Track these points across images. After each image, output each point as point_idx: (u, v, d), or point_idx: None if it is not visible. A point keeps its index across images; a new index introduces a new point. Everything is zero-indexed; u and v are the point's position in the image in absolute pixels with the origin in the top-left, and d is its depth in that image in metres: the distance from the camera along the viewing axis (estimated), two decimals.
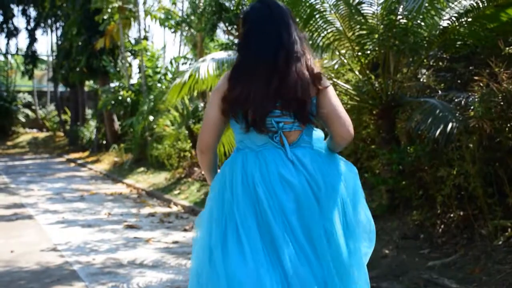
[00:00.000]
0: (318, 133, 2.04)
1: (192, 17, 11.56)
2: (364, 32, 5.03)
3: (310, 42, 5.33)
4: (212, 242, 1.89)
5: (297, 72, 1.88)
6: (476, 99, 3.95)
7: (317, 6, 5.04)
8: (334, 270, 1.88)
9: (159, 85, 13.37)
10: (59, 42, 21.47)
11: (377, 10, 4.89)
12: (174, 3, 14.11)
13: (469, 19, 4.65)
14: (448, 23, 4.75)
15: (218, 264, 1.83)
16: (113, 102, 14.62)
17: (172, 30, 13.90)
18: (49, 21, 23.18)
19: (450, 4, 4.65)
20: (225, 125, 2.01)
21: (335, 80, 5.65)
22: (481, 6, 4.50)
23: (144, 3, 14.78)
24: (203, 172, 2.15)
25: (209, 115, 1.97)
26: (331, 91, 1.97)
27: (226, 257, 1.82)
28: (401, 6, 4.68)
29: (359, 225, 2.07)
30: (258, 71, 1.89)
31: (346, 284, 1.92)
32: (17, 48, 27.06)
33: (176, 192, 9.07)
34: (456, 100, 4.36)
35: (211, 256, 1.87)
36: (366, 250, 2.13)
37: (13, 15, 24.41)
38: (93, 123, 19.25)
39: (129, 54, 16.20)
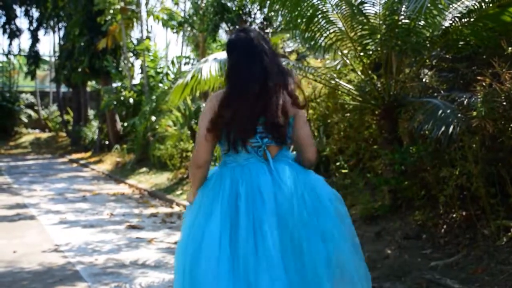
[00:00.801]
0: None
1: (194, 18, 11.57)
2: (366, 32, 5.03)
3: (312, 42, 5.33)
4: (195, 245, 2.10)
5: (278, 101, 2.12)
6: (479, 99, 3.94)
7: (319, 6, 5.04)
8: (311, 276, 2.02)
9: (161, 85, 13.39)
10: (62, 43, 21.51)
11: (379, 10, 4.88)
12: (176, 4, 14.13)
13: (472, 19, 4.64)
14: (450, 23, 4.74)
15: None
16: (115, 102, 14.64)
17: (174, 30, 13.92)
18: (52, 22, 23.21)
19: (453, 4, 4.64)
20: (217, 142, 2.21)
21: (337, 80, 5.65)
22: (483, 6, 4.50)
23: (147, 3, 14.81)
24: (192, 186, 2.28)
25: (203, 132, 2.16)
26: (303, 115, 2.23)
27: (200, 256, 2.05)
28: (404, 6, 4.67)
29: (344, 227, 2.22)
30: (245, 98, 2.12)
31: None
32: (20, 49, 27.15)
33: (178, 192, 9.07)
34: (458, 100, 4.35)
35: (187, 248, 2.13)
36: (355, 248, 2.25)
37: (16, 16, 24.44)
38: (95, 124, 19.28)
39: (131, 54, 16.22)
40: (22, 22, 45.18)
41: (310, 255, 2.04)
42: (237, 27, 10.10)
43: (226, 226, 2.06)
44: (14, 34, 24.59)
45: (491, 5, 4.46)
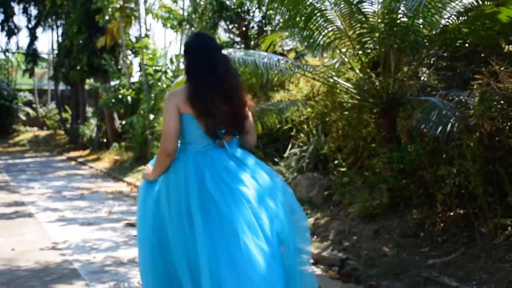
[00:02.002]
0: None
1: (193, 16, 11.56)
2: (365, 30, 5.03)
3: (311, 40, 5.34)
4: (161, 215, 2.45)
5: (240, 95, 2.52)
6: (477, 98, 3.95)
7: (318, 5, 5.04)
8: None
9: (159, 83, 13.37)
10: (60, 41, 21.46)
11: (377, 8, 4.89)
12: (175, 2, 14.11)
13: (470, 18, 4.65)
14: (448, 22, 4.75)
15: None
16: (113, 100, 14.62)
17: (174, 30, 13.90)
18: (50, 20, 23.14)
19: (451, 3, 4.65)
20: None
21: (335, 78, 5.65)
22: (481, 5, 4.50)
23: (145, 1, 14.78)
24: (157, 170, 2.57)
25: (170, 125, 2.47)
26: (250, 110, 2.62)
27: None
28: (402, 5, 4.67)
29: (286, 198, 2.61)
30: (210, 93, 2.46)
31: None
32: (18, 47, 27.06)
33: None
34: (456, 98, 4.36)
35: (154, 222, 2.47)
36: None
37: (14, 14, 24.38)
38: (93, 122, 19.25)
39: (129, 52, 16.19)
40: (20, 19, 44.94)
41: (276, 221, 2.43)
42: (236, 25, 10.11)
43: (197, 205, 2.34)
44: (12, 31, 24.52)
45: (488, 3, 4.46)
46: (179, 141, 2.53)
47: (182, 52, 2.64)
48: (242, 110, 2.53)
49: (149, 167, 2.65)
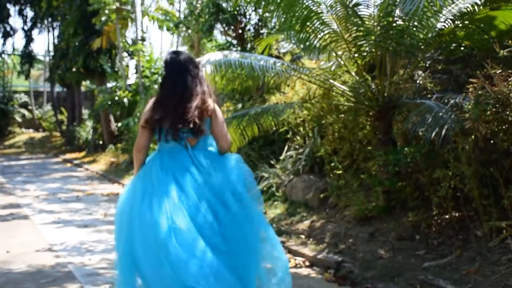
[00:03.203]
0: (211, 140, 3.05)
1: (190, 18, 11.56)
2: (361, 33, 5.04)
3: (307, 43, 5.35)
4: (134, 201, 2.89)
5: (195, 105, 2.92)
6: (472, 101, 3.96)
7: (314, 8, 5.05)
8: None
9: (156, 86, 13.36)
10: (56, 42, 21.43)
11: (373, 11, 4.90)
12: (171, 4, 14.11)
13: (465, 22, 4.67)
14: (444, 25, 4.77)
15: (135, 213, 2.85)
16: (110, 102, 14.59)
17: (171, 32, 13.90)
18: (46, 21, 23.11)
19: (446, 7, 4.67)
20: (152, 135, 3.03)
21: (332, 81, 5.66)
22: (476, 9, 4.52)
23: (142, 4, 14.78)
24: (134, 164, 3.14)
25: (142, 125, 3.00)
26: (219, 114, 3.01)
27: (141, 208, 2.82)
28: (398, 9, 4.69)
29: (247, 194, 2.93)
30: (171, 104, 2.93)
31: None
32: (13, 48, 27.00)
33: None
34: (452, 101, 4.37)
35: (132, 208, 2.88)
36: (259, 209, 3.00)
37: (10, 15, 24.32)
38: (89, 123, 19.21)
39: (126, 54, 16.18)
40: (16, 21, 44.90)
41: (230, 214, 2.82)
42: (232, 27, 10.12)
43: (168, 195, 2.80)
44: (8, 33, 24.47)
45: (483, 8, 4.48)
46: (158, 145, 3.05)
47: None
48: (197, 117, 2.93)
49: None
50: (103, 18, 14.05)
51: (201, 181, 2.86)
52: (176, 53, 3.11)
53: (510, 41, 4.15)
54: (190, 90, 2.97)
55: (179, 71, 3.00)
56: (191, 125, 2.92)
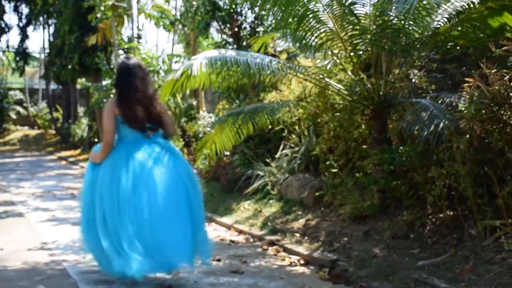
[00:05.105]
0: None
1: (186, 16, 11.53)
2: (357, 32, 5.05)
3: (303, 41, 5.35)
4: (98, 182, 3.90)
5: (156, 106, 3.92)
6: (467, 100, 3.98)
7: (310, 6, 5.05)
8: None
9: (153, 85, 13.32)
10: (51, 39, 21.34)
11: (369, 10, 4.90)
12: (167, 1, 14.07)
13: (461, 21, 4.68)
14: (439, 24, 4.78)
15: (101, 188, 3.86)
16: (105, 99, 14.53)
17: (167, 29, 13.86)
18: (41, 18, 23.03)
19: (442, 6, 4.67)
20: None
21: (327, 80, 5.66)
22: (471, 8, 4.53)
23: (138, 1, 14.72)
24: (102, 155, 3.95)
25: (109, 124, 3.87)
26: (166, 110, 4.08)
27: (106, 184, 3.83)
28: (393, 7, 4.69)
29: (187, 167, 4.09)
30: (133, 103, 3.84)
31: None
32: (8, 45, 26.86)
33: None
34: (447, 101, 4.38)
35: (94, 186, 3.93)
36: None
37: (5, 12, 24.23)
38: (85, 121, 19.16)
39: (122, 52, 16.12)
40: (11, 18, 44.74)
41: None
42: (228, 25, 10.10)
43: (130, 178, 3.77)
44: (2, 30, 24.36)
45: (478, 6, 4.49)
46: (121, 136, 3.89)
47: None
48: (154, 111, 3.84)
49: (94, 153, 4.03)
50: (99, 15, 13.99)
51: (164, 157, 3.87)
52: (127, 58, 3.99)
53: (505, 40, 4.16)
54: (143, 89, 3.83)
55: (130, 74, 3.83)
56: (159, 122, 3.92)
